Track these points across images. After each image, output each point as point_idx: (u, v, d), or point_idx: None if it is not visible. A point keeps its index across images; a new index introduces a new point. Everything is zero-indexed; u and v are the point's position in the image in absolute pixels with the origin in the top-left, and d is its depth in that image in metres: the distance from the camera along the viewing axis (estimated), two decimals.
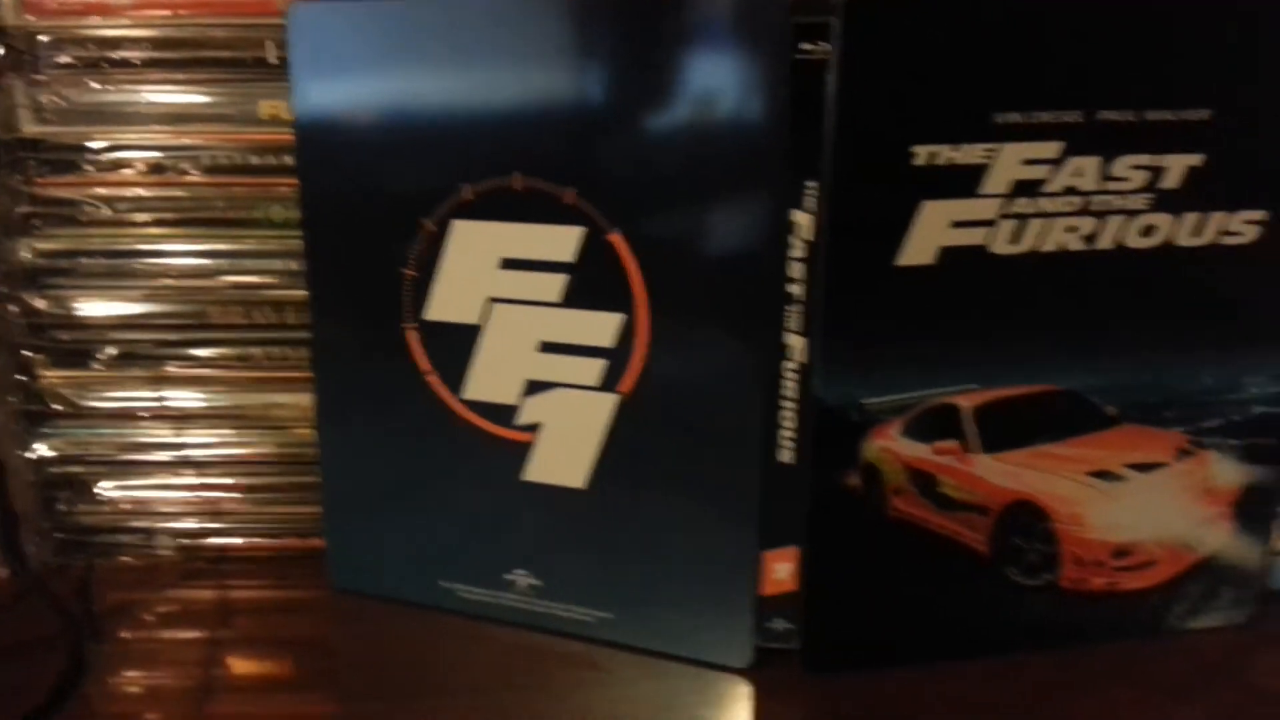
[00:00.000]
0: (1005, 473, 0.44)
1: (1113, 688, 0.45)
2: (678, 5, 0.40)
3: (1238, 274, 0.43)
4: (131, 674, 0.46)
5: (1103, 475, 0.45)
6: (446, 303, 0.46)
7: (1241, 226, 0.42)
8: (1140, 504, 0.45)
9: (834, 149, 0.39)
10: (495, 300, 0.45)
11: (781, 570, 0.45)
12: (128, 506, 0.54)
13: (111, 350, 0.52)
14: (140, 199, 0.50)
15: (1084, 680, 0.45)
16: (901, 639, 0.46)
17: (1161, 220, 0.41)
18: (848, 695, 0.44)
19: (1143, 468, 0.45)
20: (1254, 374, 0.44)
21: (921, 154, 0.39)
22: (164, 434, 0.53)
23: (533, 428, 0.46)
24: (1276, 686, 0.47)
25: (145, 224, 0.50)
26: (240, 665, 0.47)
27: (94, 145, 0.49)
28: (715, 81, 0.40)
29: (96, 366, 0.52)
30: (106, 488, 0.53)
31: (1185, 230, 0.42)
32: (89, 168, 0.50)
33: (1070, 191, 0.40)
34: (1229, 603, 0.48)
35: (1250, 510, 0.47)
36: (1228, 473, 0.46)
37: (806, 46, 0.38)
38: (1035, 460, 0.44)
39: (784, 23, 0.38)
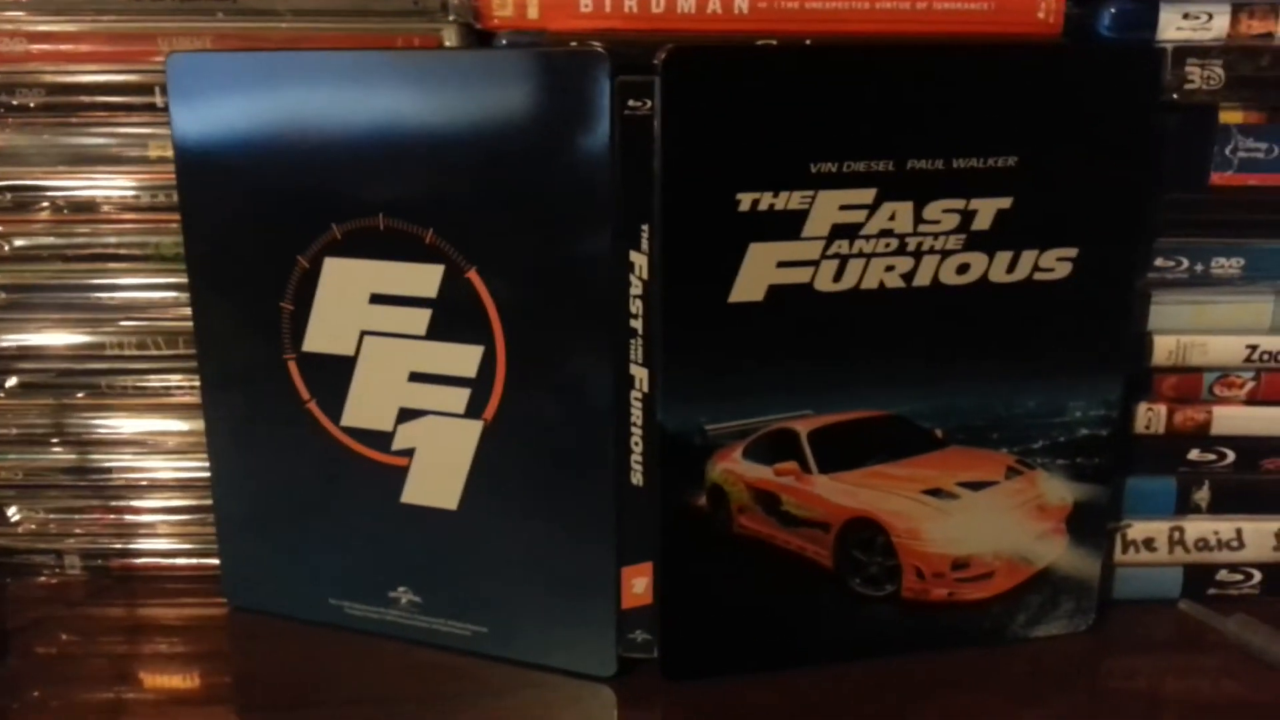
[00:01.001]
0: (842, 491, 0.47)
1: (958, 693, 0.47)
2: (521, 67, 0.43)
3: (1054, 307, 0.46)
4: (41, 690, 0.48)
5: (936, 493, 0.47)
6: (322, 335, 0.48)
7: (1054, 263, 0.45)
8: (974, 520, 0.48)
9: (663, 196, 0.42)
10: (367, 333, 0.48)
11: (639, 585, 0.47)
12: (36, 528, 0.56)
13: (14, 380, 0.54)
14: (38, 236, 0.52)
15: (929, 686, 0.48)
16: (754, 647, 0.48)
17: (975, 259, 0.44)
18: (705, 700, 0.47)
19: (974, 485, 0.48)
20: (1076, 398, 0.47)
21: (745, 200, 0.42)
22: (70, 459, 0.55)
23: (408, 452, 0.49)
24: (1117, 688, 0.50)
25: (46, 259, 0.53)
26: (145, 679, 0.49)
27: None
28: (552, 135, 0.42)
29: (1, 395, 0.54)
30: (15, 511, 0.56)
31: (999, 267, 0.45)
32: None
33: (886, 233, 0.43)
34: (1070, 611, 0.51)
35: (1084, 525, 0.49)
36: (1058, 490, 0.49)
37: (634, 103, 0.41)
38: (870, 480, 0.47)
39: (607, 81, 0.41)
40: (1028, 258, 0.45)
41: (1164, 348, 0.50)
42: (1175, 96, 0.47)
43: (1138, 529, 0.52)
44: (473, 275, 0.45)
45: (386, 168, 0.45)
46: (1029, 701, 0.47)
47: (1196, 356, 0.50)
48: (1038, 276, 0.45)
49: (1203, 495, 0.52)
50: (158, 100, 0.51)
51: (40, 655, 0.50)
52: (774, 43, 0.44)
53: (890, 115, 0.42)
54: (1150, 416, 0.51)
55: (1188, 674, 0.50)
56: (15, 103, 0.51)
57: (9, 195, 0.52)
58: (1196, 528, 0.53)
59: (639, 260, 0.43)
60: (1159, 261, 0.49)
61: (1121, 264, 0.47)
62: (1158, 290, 0.50)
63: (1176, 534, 0.52)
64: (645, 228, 0.43)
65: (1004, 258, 0.44)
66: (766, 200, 0.42)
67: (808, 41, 0.45)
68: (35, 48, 0.50)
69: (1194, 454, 0.52)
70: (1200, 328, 0.50)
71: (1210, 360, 0.50)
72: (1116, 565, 0.53)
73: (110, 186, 0.52)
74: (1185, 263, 0.49)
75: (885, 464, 0.47)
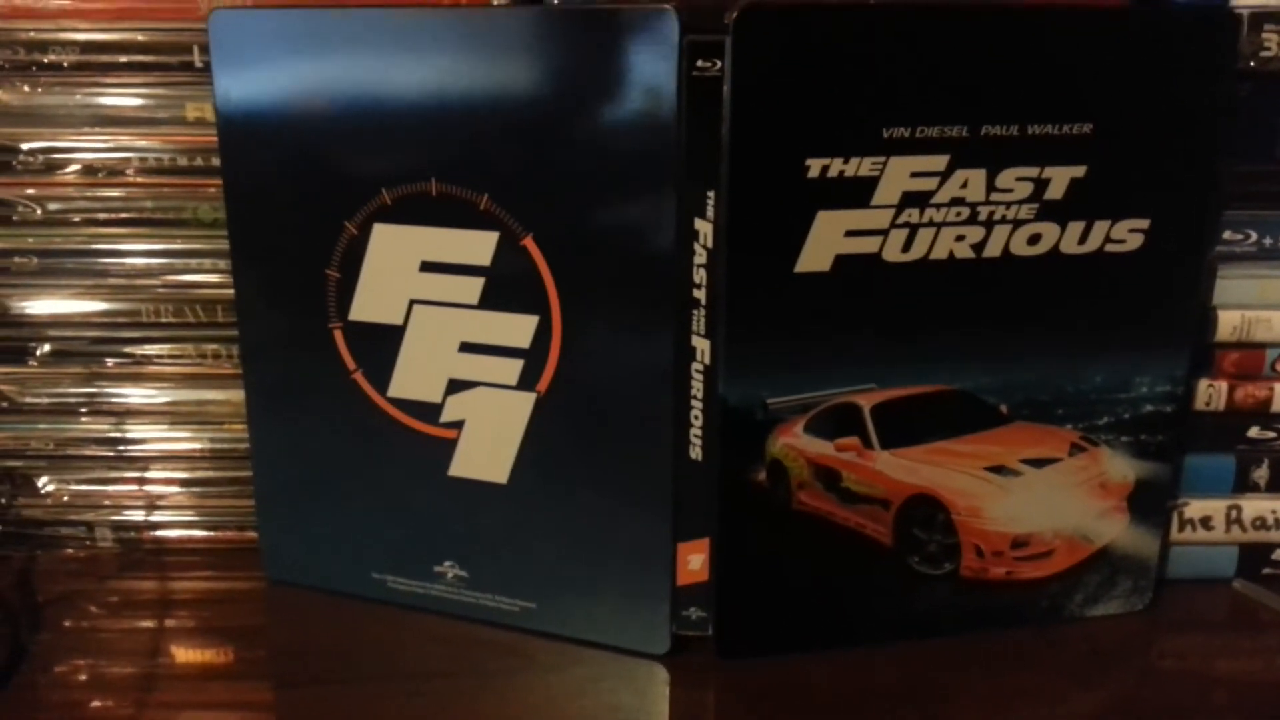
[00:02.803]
0: (904, 468, 0.46)
1: (1014, 672, 0.47)
2: (580, 26, 0.41)
3: (1123, 279, 0.45)
4: (72, 663, 0.47)
5: (999, 470, 0.47)
6: (370, 303, 0.47)
7: (1125, 234, 0.44)
8: (1036, 497, 0.47)
9: (730, 162, 0.40)
10: (416, 302, 0.46)
11: (695, 561, 0.46)
12: (68, 499, 0.55)
13: (46, 347, 0.53)
14: (72, 200, 0.51)
15: (986, 665, 0.47)
16: (810, 626, 0.47)
17: (1047, 229, 0.43)
18: (760, 679, 0.46)
19: (1037, 463, 0.47)
20: (1143, 374, 0.46)
21: (815, 167, 0.40)
22: (102, 429, 0.54)
23: (457, 425, 0.47)
24: (1173, 669, 0.49)
25: (77, 224, 0.51)
26: (179, 654, 0.48)
27: (25, 147, 0.50)
28: (616, 95, 0.41)
29: (33, 363, 0.53)
30: (47, 481, 0.55)
31: (1071, 238, 0.43)
32: (20, 169, 0.51)
33: (957, 202, 0.42)
34: (1127, 590, 0.50)
35: (1145, 503, 0.49)
36: (1121, 468, 0.48)
37: (703, 64, 0.40)
38: (932, 456, 0.46)
39: (676, 40, 0.40)
40: (1100, 228, 0.44)
41: (1228, 323, 0.49)
42: (1252, 64, 0.45)
43: (1195, 507, 0.52)
44: (529, 242, 0.44)
45: (438, 130, 0.44)
46: (1085, 681, 0.47)
47: (1261, 332, 0.49)
48: (1109, 248, 0.44)
49: (1261, 474, 0.51)
50: (195, 59, 0.49)
51: (70, 629, 0.50)
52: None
53: (966, 79, 0.41)
54: (1211, 393, 0.50)
55: (1242, 654, 0.49)
56: (47, 61, 0.50)
57: (40, 158, 0.51)
58: (1254, 506, 0.52)
59: (704, 228, 0.42)
60: (1226, 234, 0.48)
61: (1192, 236, 0.46)
62: (1224, 264, 0.49)
63: (1234, 512, 0.52)
64: (711, 194, 0.41)
65: (1076, 228, 0.43)
66: (836, 166, 0.40)
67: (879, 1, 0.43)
68: (68, 4, 0.49)
69: (1254, 431, 0.51)
70: (1266, 303, 0.49)
71: (1275, 336, 0.49)
72: (1172, 544, 0.52)
73: (145, 149, 0.51)
74: (1253, 235, 0.48)
75: (948, 440, 0.46)
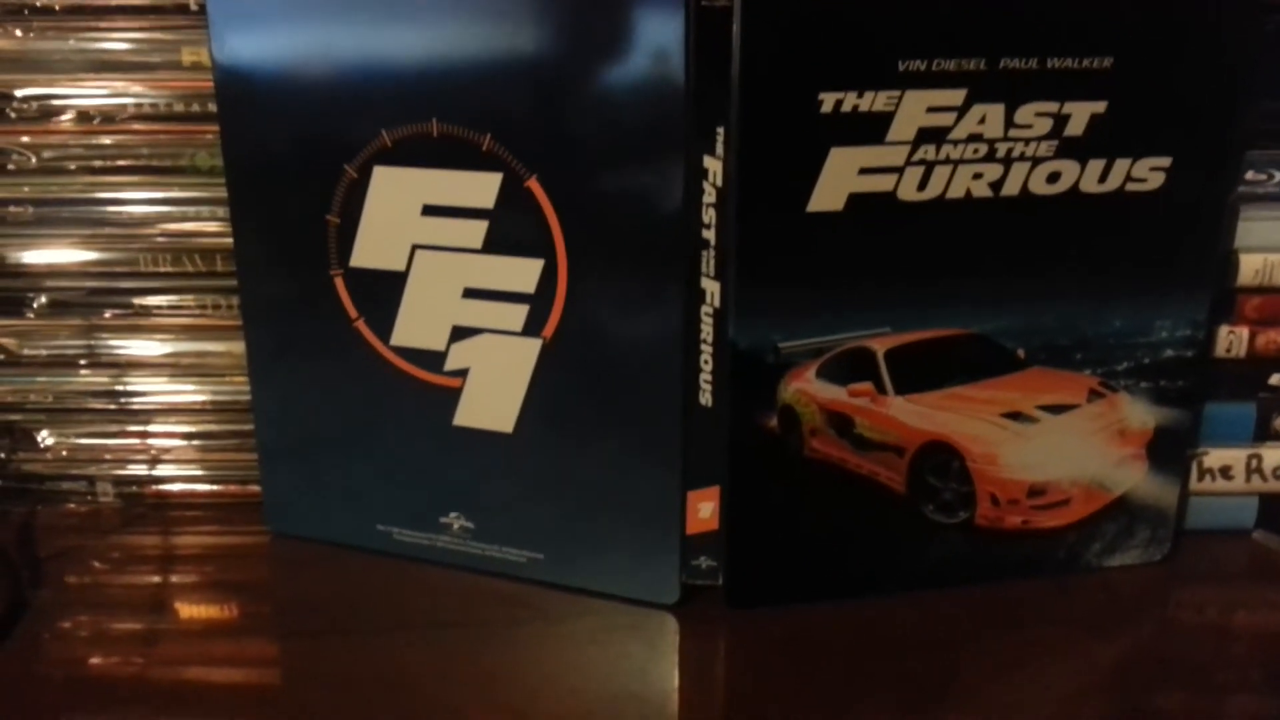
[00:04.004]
0: (919, 414, 0.45)
1: (1029, 623, 0.46)
2: None
3: (1144, 219, 0.43)
4: (75, 618, 0.47)
5: (1015, 416, 0.46)
6: (371, 249, 0.46)
7: (1146, 173, 0.43)
8: (1053, 444, 0.46)
9: (741, 97, 0.39)
10: (419, 247, 0.45)
11: (705, 510, 0.46)
12: (68, 454, 0.54)
13: (44, 299, 0.52)
14: (67, 147, 0.50)
15: (1001, 615, 0.46)
16: (821, 575, 0.47)
17: (1067, 167, 0.42)
18: (771, 629, 0.45)
19: (1055, 409, 0.46)
20: (1163, 317, 0.45)
21: (828, 101, 0.39)
22: (103, 381, 0.53)
23: (461, 373, 0.47)
24: (1191, 620, 0.48)
25: (73, 172, 0.50)
26: (182, 608, 0.48)
27: (19, 94, 0.49)
28: (621, 29, 0.40)
29: (30, 315, 0.52)
30: (47, 435, 0.54)
31: (1091, 177, 0.42)
32: (15, 116, 0.50)
33: (975, 139, 0.41)
34: (1145, 541, 0.49)
35: (1164, 451, 0.48)
36: (1140, 415, 0.47)
37: None
38: (948, 402, 0.45)
39: None
40: (1120, 167, 0.42)
41: (1250, 266, 0.48)
42: None
43: (1214, 456, 0.51)
44: (533, 184, 0.43)
45: (439, 68, 0.43)
46: (1102, 632, 0.46)
47: None
48: (1130, 187, 0.43)
49: None
50: (191, 3, 0.48)
51: (72, 584, 0.49)
52: None
53: (983, 9, 0.40)
54: (1232, 339, 0.49)
55: (1262, 606, 0.49)
56: (40, 4, 0.49)
57: (34, 104, 0.50)
58: (1275, 455, 0.51)
59: (713, 166, 0.41)
60: (1249, 175, 0.47)
61: (1214, 175, 0.44)
62: (1246, 205, 0.47)
63: (1254, 461, 0.51)
64: (720, 131, 0.40)
65: (1096, 166, 0.42)
66: (850, 101, 0.39)
67: None
68: None
69: (1275, 379, 0.50)
70: None
71: None
72: (1191, 494, 0.51)
73: (141, 95, 0.50)
74: (1277, 176, 0.47)
75: (964, 385, 0.45)
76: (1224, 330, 0.49)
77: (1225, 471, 0.51)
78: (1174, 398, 0.47)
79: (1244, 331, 0.49)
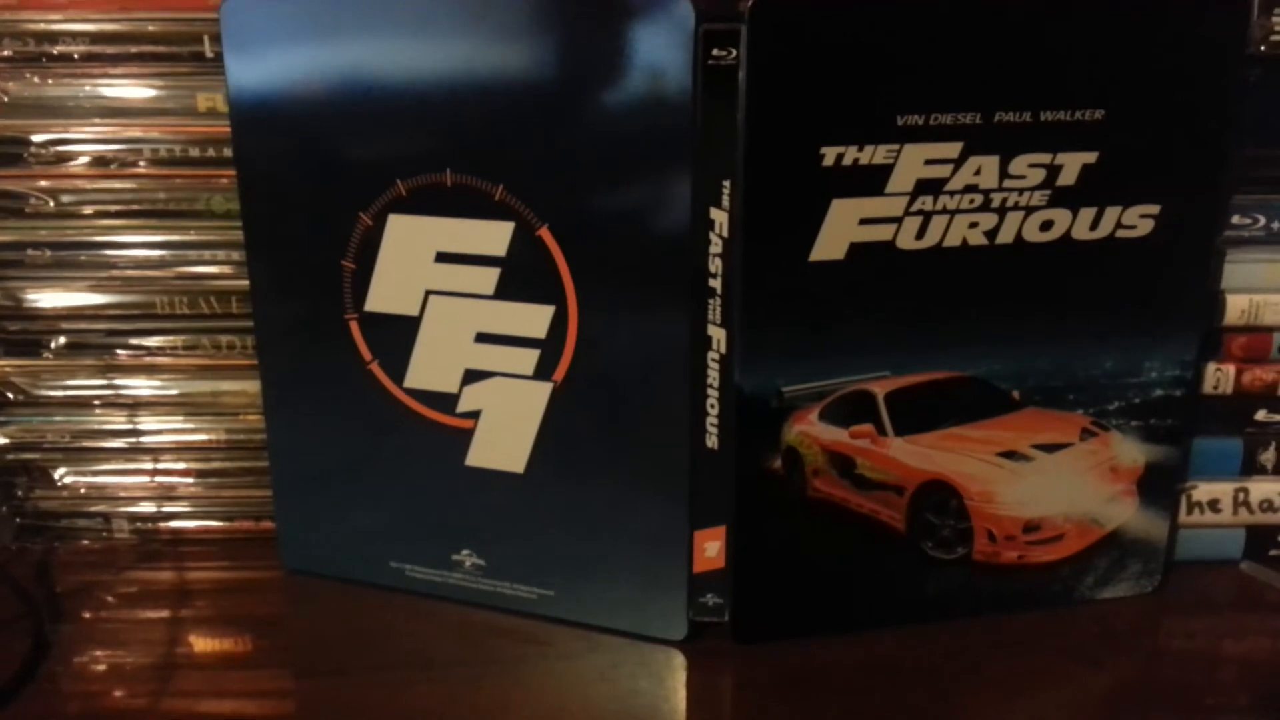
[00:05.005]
0: (918, 454, 0.46)
1: (1025, 654, 0.47)
2: (595, 13, 0.41)
3: (1134, 265, 0.45)
4: (93, 653, 0.47)
5: (1010, 455, 0.47)
6: (385, 294, 0.47)
7: (1136, 220, 0.44)
8: (1048, 482, 0.48)
9: (746, 150, 0.40)
10: (432, 292, 0.47)
11: (711, 548, 0.47)
12: (84, 491, 0.55)
13: (61, 340, 0.53)
14: (84, 191, 0.51)
15: (997, 647, 0.47)
16: (825, 610, 0.48)
17: (1059, 215, 0.43)
18: (776, 664, 0.46)
19: (1049, 448, 0.47)
20: (1152, 359, 0.47)
21: (829, 155, 0.41)
22: (117, 421, 0.54)
23: (473, 415, 0.48)
24: (1182, 649, 0.49)
25: (90, 216, 0.52)
26: (197, 644, 0.49)
27: (36, 139, 0.50)
28: (631, 87, 0.41)
29: (47, 356, 0.53)
30: (63, 473, 0.55)
31: (1082, 225, 0.44)
32: (32, 161, 0.51)
33: (971, 189, 0.42)
34: (1137, 573, 0.50)
35: (1154, 487, 0.49)
36: (1131, 452, 0.48)
37: (718, 52, 0.40)
38: (946, 442, 0.46)
39: (691, 29, 0.40)
40: (1111, 214, 0.44)
41: (1236, 306, 0.49)
42: (1262, 49, 0.45)
43: (1203, 490, 0.52)
44: (544, 233, 0.44)
45: (453, 119, 0.44)
46: (1096, 662, 0.47)
47: (1269, 316, 0.49)
48: (1120, 234, 0.44)
49: (1269, 456, 0.52)
50: (206, 50, 0.49)
51: (90, 620, 0.50)
52: None
53: (979, 65, 0.41)
54: (1219, 376, 0.50)
55: (1250, 634, 0.50)
56: (57, 52, 0.50)
57: (51, 150, 0.51)
58: (1261, 489, 0.52)
59: (719, 217, 0.42)
60: (1235, 219, 0.48)
61: (1202, 221, 0.46)
62: (1232, 248, 0.49)
63: (1241, 495, 0.52)
64: (726, 184, 0.42)
65: (1088, 214, 0.44)
66: (851, 154, 0.41)
67: None
68: None
69: (1261, 415, 0.51)
70: (1274, 287, 0.49)
71: None
72: (1181, 526, 0.52)
73: (157, 141, 0.51)
74: (1262, 220, 0.48)
75: (961, 426, 0.46)
76: (1211, 367, 0.50)
77: (1214, 505, 0.52)
78: (1163, 435, 0.48)
79: (1230, 369, 0.51)
